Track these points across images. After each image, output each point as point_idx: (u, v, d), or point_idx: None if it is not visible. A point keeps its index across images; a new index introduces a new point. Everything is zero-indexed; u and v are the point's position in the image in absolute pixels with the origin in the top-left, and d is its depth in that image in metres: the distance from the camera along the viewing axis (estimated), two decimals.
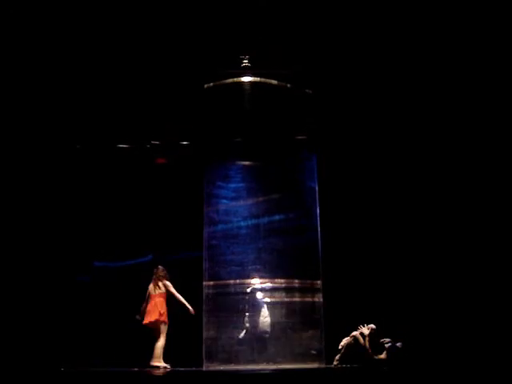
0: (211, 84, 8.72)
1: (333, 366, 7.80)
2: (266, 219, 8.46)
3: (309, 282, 8.40)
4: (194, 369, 7.94)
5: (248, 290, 8.17)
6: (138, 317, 8.15)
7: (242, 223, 8.48)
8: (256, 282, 8.21)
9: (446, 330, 7.98)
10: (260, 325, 8.09)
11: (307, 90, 8.79)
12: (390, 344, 7.32)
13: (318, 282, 8.43)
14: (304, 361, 8.06)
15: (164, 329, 8.06)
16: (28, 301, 8.41)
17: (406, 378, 6.19)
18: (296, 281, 8.34)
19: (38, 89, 8.53)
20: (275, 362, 7.91)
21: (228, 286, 8.28)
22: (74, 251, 8.96)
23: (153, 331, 8.08)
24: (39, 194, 8.81)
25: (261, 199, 8.54)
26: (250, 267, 8.31)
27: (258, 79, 8.65)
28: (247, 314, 8.15)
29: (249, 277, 8.24)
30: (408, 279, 8.44)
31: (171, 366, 8.00)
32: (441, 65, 8.28)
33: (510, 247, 8.00)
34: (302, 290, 8.33)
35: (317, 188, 8.76)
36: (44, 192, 8.83)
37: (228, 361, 7.98)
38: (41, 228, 8.76)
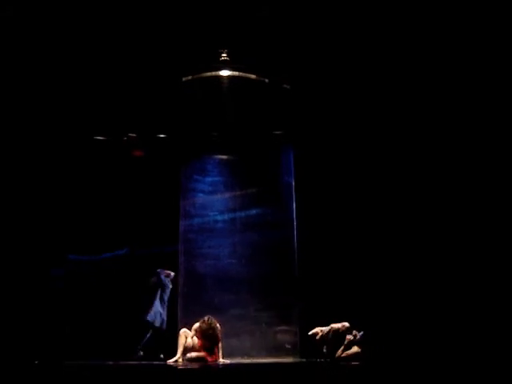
0: (189, 77, 8.70)
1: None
2: (242, 213, 8.49)
3: (284, 276, 8.43)
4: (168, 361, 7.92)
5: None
6: None
7: (219, 217, 8.51)
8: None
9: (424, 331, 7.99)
10: None
11: (285, 85, 8.82)
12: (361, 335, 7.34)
13: (294, 276, 8.46)
14: (279, 355, 8.10)
15: None
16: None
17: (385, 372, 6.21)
18: (272, 275, 8.35)
19: (14, 77, 8.41)
20: (249, 356, 7.94)
21: (204, 279, 8.31)
22: (48, 244, 8.87)
23: None
24: (11, 185, 8.69)
25: (237, 193, 8.57)
26: (226, 261, 8.34)
27: (236, 73, 8.64)
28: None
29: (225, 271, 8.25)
30: (384, 275, 8.48)
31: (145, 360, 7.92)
32: (417, 62, 8.34)
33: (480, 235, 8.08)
34: (278, 285, 8.35)
35: (293, 183, 8.79)
36: (16, 183, 8.72)
37: None
38: (13, 219, 8.65)
